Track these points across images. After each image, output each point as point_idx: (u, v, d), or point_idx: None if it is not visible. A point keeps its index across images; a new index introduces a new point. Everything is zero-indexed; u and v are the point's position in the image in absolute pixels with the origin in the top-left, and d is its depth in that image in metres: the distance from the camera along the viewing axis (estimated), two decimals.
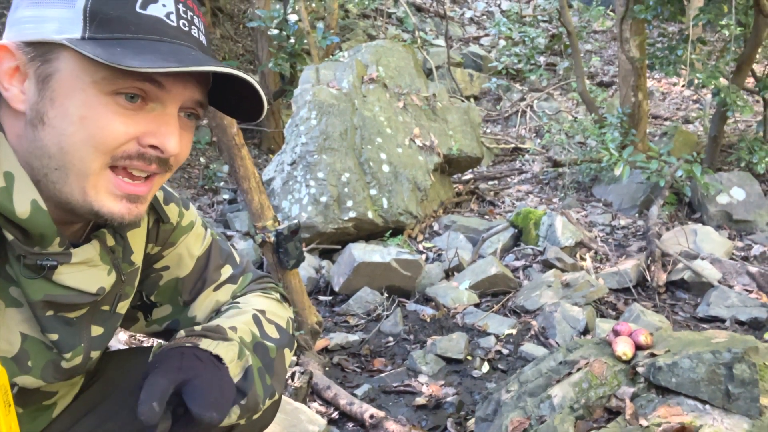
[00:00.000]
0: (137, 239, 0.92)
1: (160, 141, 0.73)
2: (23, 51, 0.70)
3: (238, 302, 1.03)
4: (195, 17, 0.75)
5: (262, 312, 1.00)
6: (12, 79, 0.71)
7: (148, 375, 0.80)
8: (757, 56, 4.86)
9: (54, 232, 0.75)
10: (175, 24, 0.72)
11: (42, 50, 0.69)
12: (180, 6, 0.73)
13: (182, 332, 0.90)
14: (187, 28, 0.73)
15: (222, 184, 5.24)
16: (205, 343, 0.86)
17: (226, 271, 1.06)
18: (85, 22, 0.68)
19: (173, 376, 0.79)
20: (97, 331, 0.87)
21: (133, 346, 2.35)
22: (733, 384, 1.46)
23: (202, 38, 0.76)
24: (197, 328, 0.91)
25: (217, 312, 1.03)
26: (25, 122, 0.71)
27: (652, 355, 1.65)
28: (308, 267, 3.39)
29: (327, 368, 2.51)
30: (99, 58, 0.65)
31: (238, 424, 0.89)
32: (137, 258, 0.92)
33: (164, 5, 0.71)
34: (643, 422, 1.49)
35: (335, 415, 2.14)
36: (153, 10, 0.70)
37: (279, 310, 1.05)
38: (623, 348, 1.69)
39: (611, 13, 8.73)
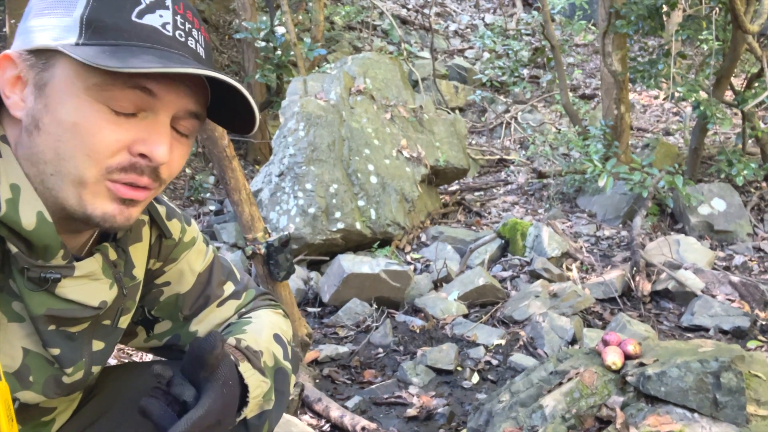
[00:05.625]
0: (139, 254, 0.92)
1: (149, 149, 0.72)
2: (24, 59, 0.71)
3: (258, 316, 1.04)
4: (194, 30, 0.75)
5: (280, 333, 1.02)
6: (14, 88, 0.72)
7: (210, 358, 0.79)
8: (735, 70, 4.98)
9: (59, 244, 0.75)
10: (170, 34, 0.72)
11: (41, 57, 0.70)
12: (178, 18, 0.73)
13: (232, 340, 0.90)
14: (183, 39, 0.73)
15: (208, 195, 5.22)
16: (244, 367, 0.86)
17: (229, 287, 1.06)
18: (80, 30, 0.69)
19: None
20: (98, 345, 0.87)
21: (123, 361, 2.32)
22: (721, 392, 1.49)
23: (200, 50, 0.76)
24: (243, 342, 0.91)
25: (240, 316, 1.04)
26: (21, 129, 0.72)
27: (641, 364, 1.68)
28: (296, 278, 3.38)
29: (317, 380, 2.50)
30: (86, 60, 0.65)
31: None
32: (139, 272, 0.92)
33: (161, 16, 0.72)
34: (634, 431, 1.51)
35: (326, 427, 2.14)
36: (149, 20, 0.71)
37: (288, 328, 1.07)
38: (613, 358, 1.72)
39: (593, 28, 8.90)
